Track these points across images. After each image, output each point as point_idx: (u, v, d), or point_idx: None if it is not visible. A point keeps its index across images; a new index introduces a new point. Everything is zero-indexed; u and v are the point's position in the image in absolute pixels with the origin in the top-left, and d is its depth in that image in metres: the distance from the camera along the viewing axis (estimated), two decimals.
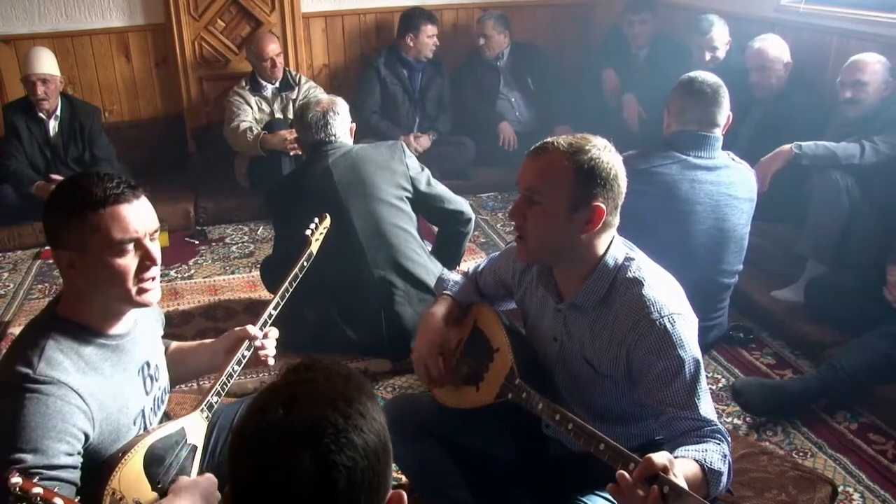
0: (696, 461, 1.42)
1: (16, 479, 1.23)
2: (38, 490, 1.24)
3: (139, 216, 1.47)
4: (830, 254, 3.03)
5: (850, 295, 2.83)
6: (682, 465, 1.33)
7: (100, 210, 1.42)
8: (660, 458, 1.28)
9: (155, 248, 1.50)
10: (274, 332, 1.88)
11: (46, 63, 3.99)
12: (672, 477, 1.26)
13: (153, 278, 1.51)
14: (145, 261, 1.49)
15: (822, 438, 2.46)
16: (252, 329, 1.82)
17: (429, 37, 4.65)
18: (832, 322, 2.89)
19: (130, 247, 1.46)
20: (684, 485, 1.27)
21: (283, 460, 0.89)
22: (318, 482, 0.89)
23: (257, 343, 1.83)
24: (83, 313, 1.50)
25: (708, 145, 2.65)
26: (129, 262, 1.46)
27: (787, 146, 3.04)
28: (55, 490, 1.29)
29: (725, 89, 2.66)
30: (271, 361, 1.87)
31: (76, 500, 1.32)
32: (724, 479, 1.44)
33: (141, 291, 1.50)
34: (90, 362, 1.48)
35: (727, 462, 1.46)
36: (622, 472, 1.31)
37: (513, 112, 4.90)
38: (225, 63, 4.82)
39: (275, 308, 1.91)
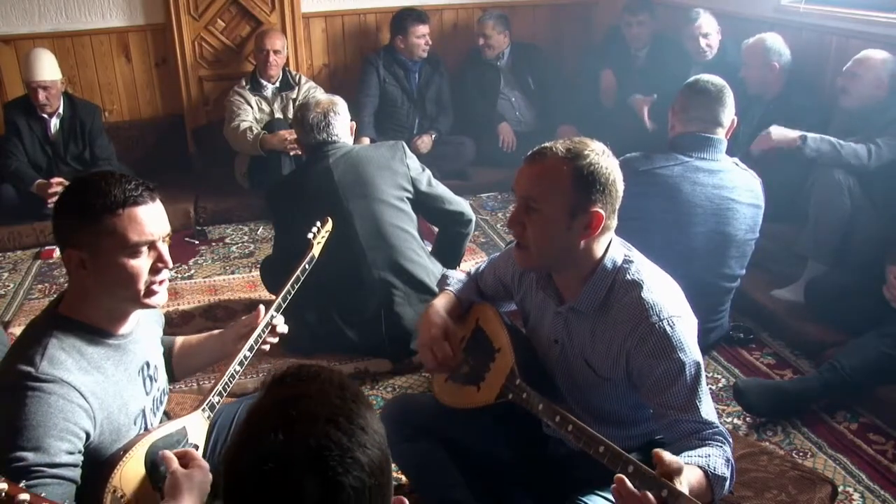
0: (700, 468, 1.42)
1: (2, 485, 1.17)
2: (24, 497, 1.18)
3: (155, 219, 1.47)
4: (831, 253, 3.03)
5: (850, 295, 2.83)
6: (686, 473, 1.33)
7: (117, 212, 1.42)
8: (672, 459, 1.29)
9: (167, 251, 1.50)
10: (280, 320, 1.90)
11: (47, 69, 3.98)
12: (677, 485, 1.26)
13: (163, 281, 1.51)
14: (158, 263, 1.49)
15: (822, 438, 2.46)
16: (261, 316, 1.84)
17: (418, 37, 4.61)
18: (832, 322, 2.89)
19: (144, 249, 1.46)
20: (685, 490, 1.27)
21: (289, 489, 0.84)
22: None
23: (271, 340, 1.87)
24: (88, 313, 1.50)
25: (711, 147, 2.65)
26: (143, 264, 1.46)
27: (794, 134, 3.06)
28: (43, 495, 1.25)
29: (730, 91, 2.66)
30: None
31: None
32: (728, 483, 1.45)
33: (149, 293, 1.50)
34: (92, 361, 1.48)
35: (730, 465, 1.46)
36: (621, 475, 1.30)
37: (513, 112, 4.89)
38: (225, 63, 4.81)
39: (276, 310, 1.91)
